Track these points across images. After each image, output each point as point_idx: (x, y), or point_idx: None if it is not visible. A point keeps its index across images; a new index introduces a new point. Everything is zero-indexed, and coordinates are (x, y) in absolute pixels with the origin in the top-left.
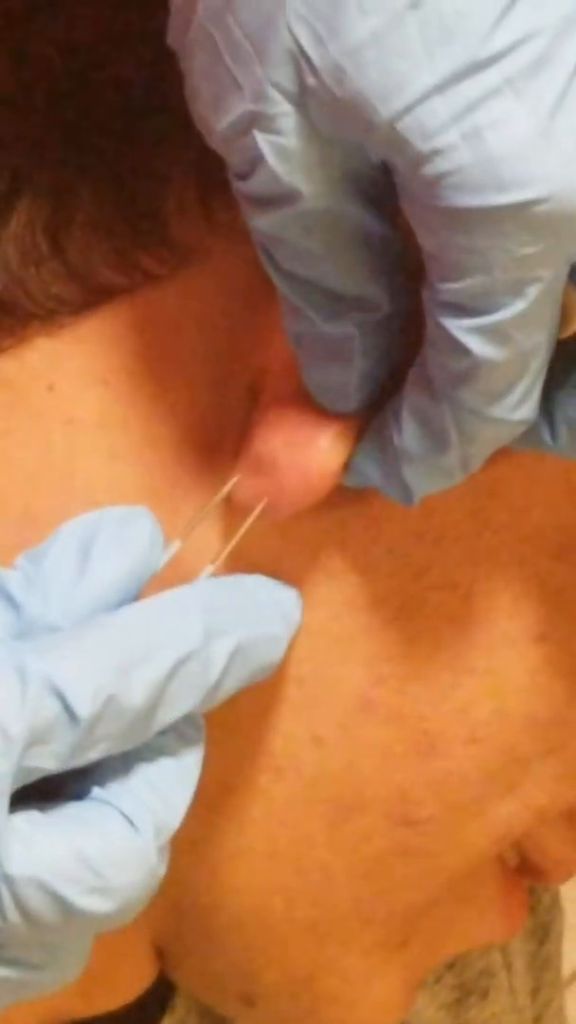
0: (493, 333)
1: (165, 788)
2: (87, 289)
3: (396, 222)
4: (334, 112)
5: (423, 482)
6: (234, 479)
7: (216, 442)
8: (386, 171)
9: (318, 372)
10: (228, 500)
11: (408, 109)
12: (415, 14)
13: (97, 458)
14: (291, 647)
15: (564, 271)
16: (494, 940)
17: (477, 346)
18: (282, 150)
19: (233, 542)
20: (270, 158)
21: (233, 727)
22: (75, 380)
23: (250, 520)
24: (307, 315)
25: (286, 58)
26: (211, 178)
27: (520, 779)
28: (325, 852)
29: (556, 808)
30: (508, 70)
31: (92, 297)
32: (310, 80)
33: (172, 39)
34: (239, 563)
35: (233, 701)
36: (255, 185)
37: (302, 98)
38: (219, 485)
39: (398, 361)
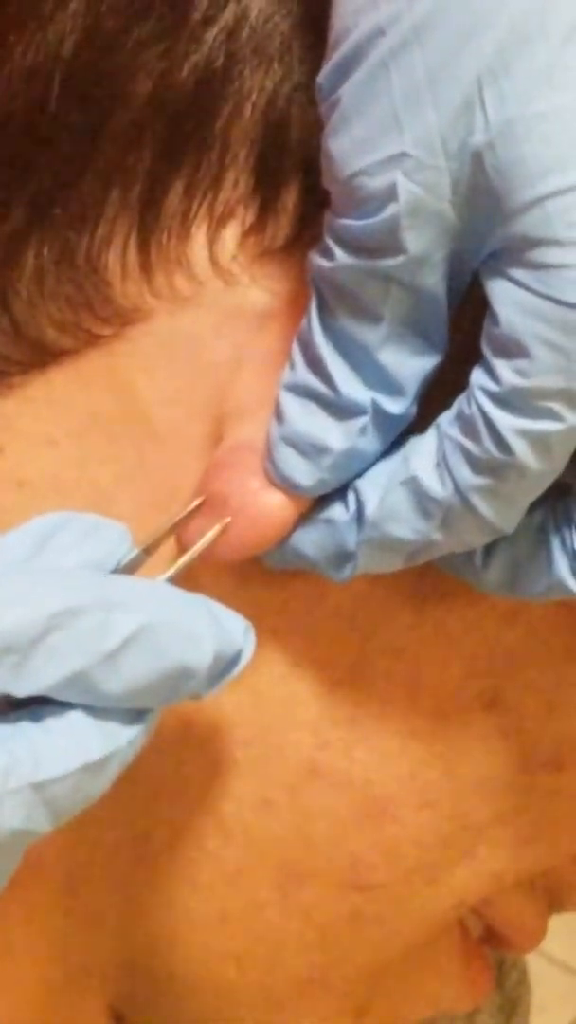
0: (541, 442)
1: (42, 746)
2: (34, 349)
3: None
4: (485, 176)
5: (374, 560)
6: (200, 499)
7: (170, 502)
8: (487, 263)
9: (306, 427)
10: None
11: (562, 192)
12: None
13: None
14: (236, 708)
15: None
16: (458, 1008)
17: (521, 450)
18: (416, 202)
19: (186, 558)
20: (402, 206)
21: (182, 790)
22: (25, 442)
23: (204, 541)
24: (329, 374)
25: (463, 109)
26: (149, 240)
27: (474, 845)
28: (277, 917)
29: (513, 875)
30: None
31: (39, 357)
32: (477, 137)
33: (331, 71)
34: None
35: (181, 763)
36: (364, 227)
37: (460, 157)
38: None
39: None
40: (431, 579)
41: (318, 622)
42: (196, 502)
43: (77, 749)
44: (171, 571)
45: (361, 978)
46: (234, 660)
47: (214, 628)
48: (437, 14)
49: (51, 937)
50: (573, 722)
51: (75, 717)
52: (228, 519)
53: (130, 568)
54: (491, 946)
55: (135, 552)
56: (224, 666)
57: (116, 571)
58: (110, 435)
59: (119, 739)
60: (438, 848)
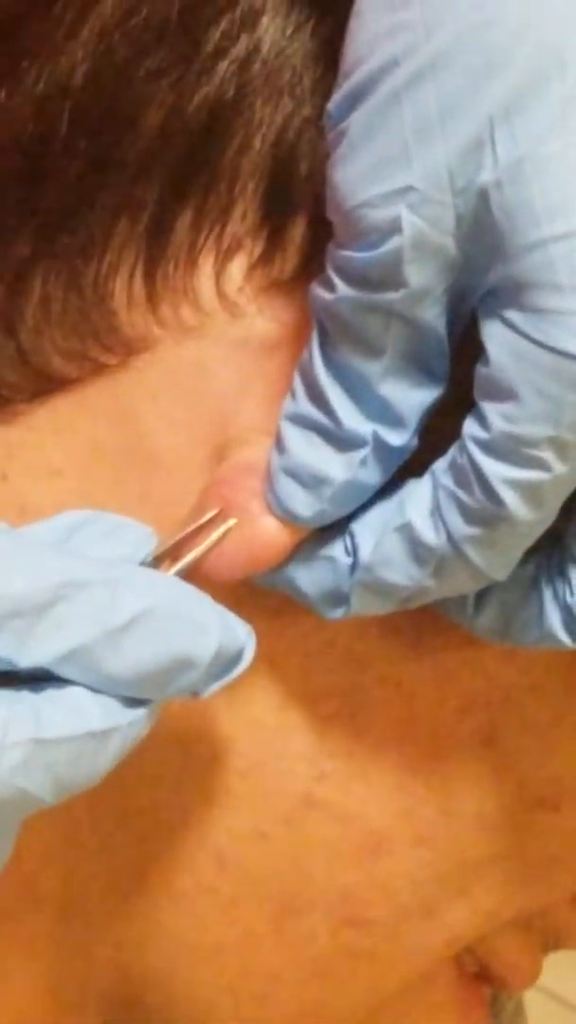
0: (532, 491)
1: (44, 709)
2: (40, 377)
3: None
4: (490, 214)
5: (367, 603)
6: (216, 511)
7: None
8: (483, 302)
9: (307, 458)
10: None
11: (567, 236)
12: None
13: None
14: (233, 737)
15: None
16: None
17: (512, 501)
18: (420, 237)
19: (193, 555)
20: (406, 240)
21: (178, 821)
22: (28, 471)
23: (211, 540)
24: (330, 406)
25: (473, 145)
26: (156, 270)
27: (470, 883)
28: (271, 951)
29: (508, 914)
30: None
31: (45, 385)
32: (486, 174)
33: (341, 100)
34: None
35: (178, 793)
36: (366, 259)
37: (466, 194)
38: None
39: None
40: (428, 614)
41: (314, 651)
42: (211, 513)
43: (79, 717)
44: (178, 566)
45: (356, 1013)
46: (236, 658)
47: (219, 622)
48: (454, 48)
49: (46, 967)
50: (570, 761)
51: (77, 691)
52: (234, 520)
53: None
54: (485, 983)
55: (151, 559)
56: (226, 663)
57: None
58: (114, 465)
59: (120, 717)
60: (433, 885)
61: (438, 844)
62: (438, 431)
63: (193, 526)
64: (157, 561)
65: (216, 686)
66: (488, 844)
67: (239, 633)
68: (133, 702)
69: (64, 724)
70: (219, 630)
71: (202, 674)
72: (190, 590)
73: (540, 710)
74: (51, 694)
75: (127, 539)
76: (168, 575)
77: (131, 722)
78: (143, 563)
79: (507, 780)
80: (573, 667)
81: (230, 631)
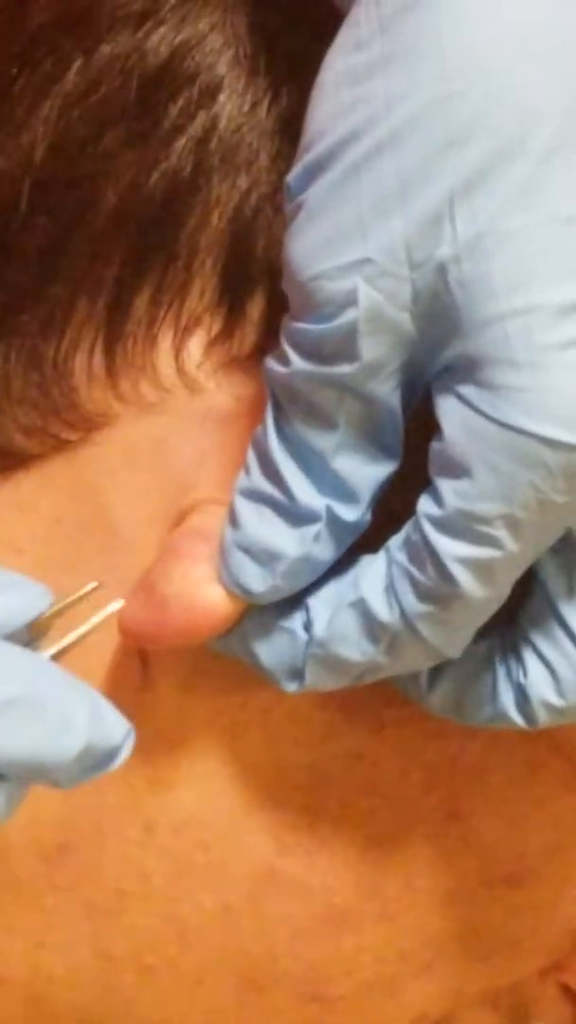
0: (485, 570)
1: None
2: (1, 454)
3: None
4: (447, 289)
5: (320, 677)
6: (93, 585)
7: None
8: (438, 378)
9: (260, 532)
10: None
11: (524, 311)
12: (570, 230)
13: None
14: (196, 810)
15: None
16: None
17: (464, 578)
18: (376, 310)
19: (71, 637)
20: (362, 313)
21: (143, 896)
22: None
23: (92, 623)
24: (283, 480)
25: (432, 219)
26: (115, 346)
27: (434, 959)
28: None
29: (474, 990)
30: None
31: (6, 462)
32: (444, 249)
33: (301, 172)
34: (142, 714)
35: (143, 869)
36: (320, 332)
37: (424, 268)
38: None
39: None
40: (391, 686)
41: (276, 722)
42: (88, 588)
43: None
44: (54, 649)
45: None
46: (109, 756)
47: (92, 718)
48: (414, 123)
49: None
50: (533, 837)
51: None
52: (121, 602)
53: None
54: None
55: (47, 615)
56: (97, 760)
57: (24, 630)
58: (74, 539)
59: None
60: (397, 961)
61: (402, 920)
62: (395, 507)
63: (74, 596)
64: (42, 626)
65: (83, 780)
66: (452, 920)
67: (114, 731)
68: None
69: None
70: (87, 728)
71: (65, 771)
72: (62, 679)
73: (503, 785)
74: None
75: (22, 594)
76: (43, 659)
77: None
78: (34, 620)
79: (471, 855)
80: (537, 741)
81: (103, 729)
